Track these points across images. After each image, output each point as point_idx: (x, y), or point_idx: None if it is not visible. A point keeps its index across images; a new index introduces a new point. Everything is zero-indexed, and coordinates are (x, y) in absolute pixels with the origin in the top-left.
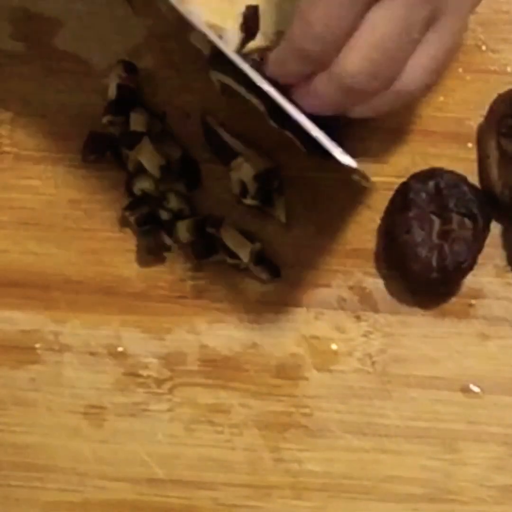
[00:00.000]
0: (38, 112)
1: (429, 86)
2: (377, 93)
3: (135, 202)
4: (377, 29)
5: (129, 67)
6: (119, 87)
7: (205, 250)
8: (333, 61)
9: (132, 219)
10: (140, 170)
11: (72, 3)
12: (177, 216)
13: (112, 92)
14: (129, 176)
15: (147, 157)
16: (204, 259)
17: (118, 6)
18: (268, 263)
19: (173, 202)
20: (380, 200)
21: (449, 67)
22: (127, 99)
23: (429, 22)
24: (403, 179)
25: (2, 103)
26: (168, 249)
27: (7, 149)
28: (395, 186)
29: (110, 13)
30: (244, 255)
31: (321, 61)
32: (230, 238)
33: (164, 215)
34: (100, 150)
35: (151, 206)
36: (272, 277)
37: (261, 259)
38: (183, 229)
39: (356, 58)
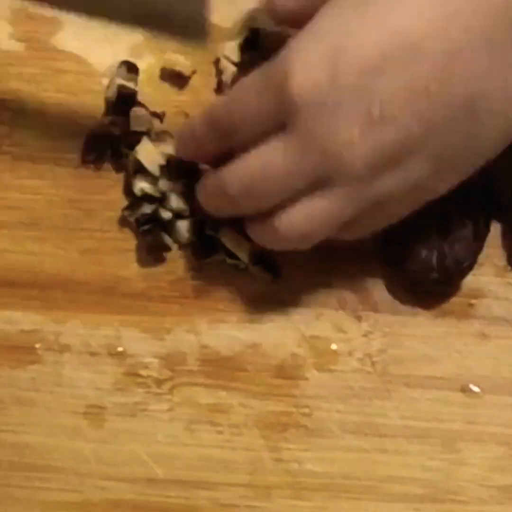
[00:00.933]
0: (38, 112)
1: (301, 242)
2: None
3: (135, 202)
4: (265, 156)
5: (131, 67)
6: (120, 87)
7: (205, 251)
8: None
9: (132, 219)
10: (140, 170)
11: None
12: (177, 216)
13: (112, 92)
14: (129, 176)
15: (147, 157)
16: (204, 260)
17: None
18: (268, 263)
19: (173, 202)
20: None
21: None
22: (127, 99)
23: (318, 185)
24: None
25: (2, 103)
26: (168, 249)
27: (6, 149)
28: None
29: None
30: (244, 256)
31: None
32: (230, 238)
33: (164, 215)
34: (100, 150)
35: (151, 206)
36: (272, 277)
37: (261, 259)
38: (183, 229)
39: (234, 172)
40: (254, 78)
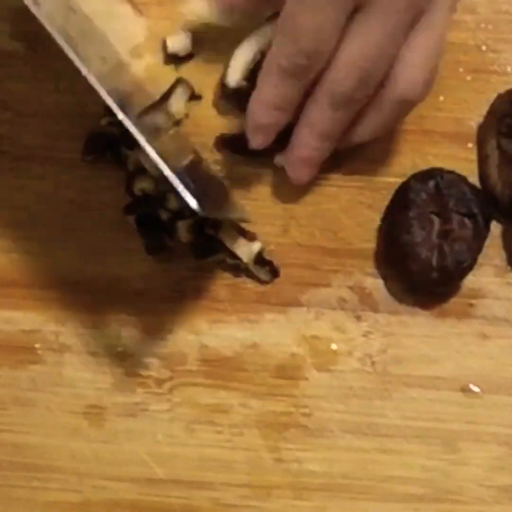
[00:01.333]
0: (38, 112)
1: (426, 86)
2: (367, 100)
3: (135, 202)
4: (361, 38)
5: None
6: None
7: (205, 251)
8: (321, 78)
9: (132, 219)
10: (140, 170)
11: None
12: (177, 216)
13: None
14: (129, 176)
15: (147, 157)
16: (204, 259)
17: (118, 6)
18: (268, 263)
19: (173, 202)
20: (380, 200)
21: (449, 67)
22: None
23: (413, 23)
24: (403, 179)
25: (2, 103)
26: (168, 249)
27: (7, 149)
28: (395, 186)
29: (110, 13)
30: (244, 255)
31: (307, 75)
32: (230, 239)
33: (164, 215)
34: (100, 150)
35: (151, 206)
36: (272, 277)
37: (261, 259)
38: (183, 229)
39: (344, 68)
40: None
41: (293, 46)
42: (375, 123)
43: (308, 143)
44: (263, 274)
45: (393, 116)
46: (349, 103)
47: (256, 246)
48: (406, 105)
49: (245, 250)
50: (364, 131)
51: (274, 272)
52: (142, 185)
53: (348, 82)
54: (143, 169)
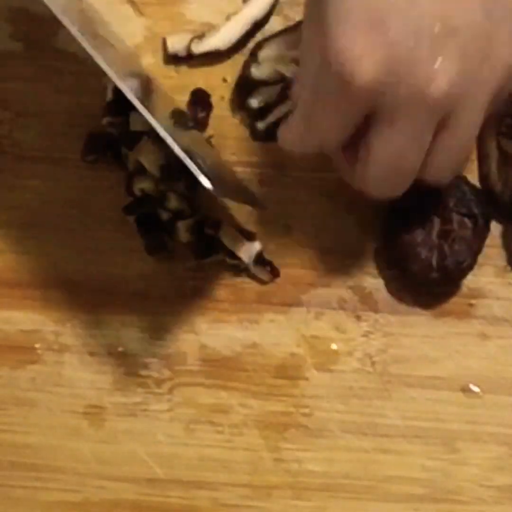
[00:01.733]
0: (38, 112)
1: (453, 174)
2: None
3: (135, 202)
4: (384, 142)
5: None
6: (115, 89)
7: (205, 250)
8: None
9: (132, 219)
10: (140, 170)
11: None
12: (177, 216)
13: (109, 94)
14: (129, 176)
15: (147, 157)
16: (204, 259)
17: (118, 6)
18: (268, 263)
19: (173, 202)
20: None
21: None
22: (125, 101)
23: (441, 124)
24: None
25: (2, 103)
26: (168, 249)
27: (7, 149)
28: None
29: (110, 13)
30: (244, 255)
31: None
32: (230, 239)
33: (164, 215)
34: (100, 150)
35: (151, 206)
36: (272, 277)
37: (261, 259)
38: (183, 229)
39: (371, 164)
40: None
41: (309, 135)
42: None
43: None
44: (263, 274)
45: None
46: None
47: (256, 246)
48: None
49: (245, 250)
50: None
51: (274, 272)
52: (142, 185)
53: (379, 179)
54: (143, 169)
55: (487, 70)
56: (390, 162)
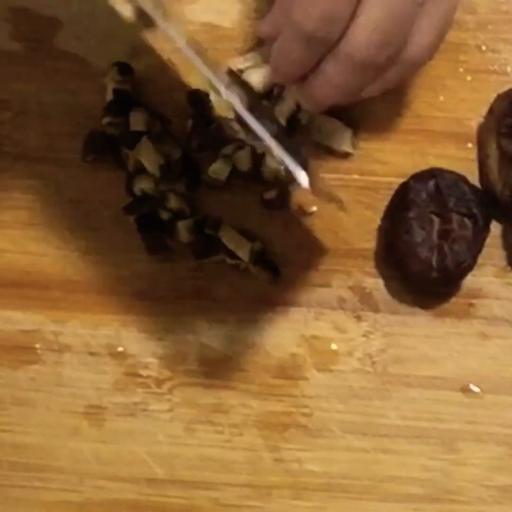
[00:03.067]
0: (38, 112)
1: (434, 51)
2: (388, 65)
3: (135, 202)
4: (379, 3)
5: (124, 69)
6: (115, 90)
7: (205, 250)
8: (340, 41)
9: (132, 219)
10: (140, 170)
11: (72, 3)
12: (177, 216)
13: (109, 94)
14: (129, 176)
15: (147, 157)
16: (204, 259)
17: (118, 7)
18: (268, 263)
19: (173, 202)
20: (380, 200)
21: (449, 67)
22: (124, 100)
23: None
24: (403, 179)
25: (2, 103)
26: (168, 249)
27: (7, 149)
28: (395, 186)
29: (110, 13)
30: (244, 255)
31: (327, 42)
32: (230, 238)
33: (164, 215)
34: (100, 150)
35: (151, 206)
36: (272, 277)
37: (261, 259)
38: (183, 229)
39: (365, 33)
40: None
41: (310, 13)
42: (382, 82)
43: (322, 92)
44: (263, 274)
45: (399, 77)
46: (370, 68)
47: (256, 246)
48: (413, 68)
49: (245, 250)
50: (370, 88)
51: (274, 272)
52: (142, 185)
53: (370, 47)
54: (143, 169)
55: None
56: (384, 27)
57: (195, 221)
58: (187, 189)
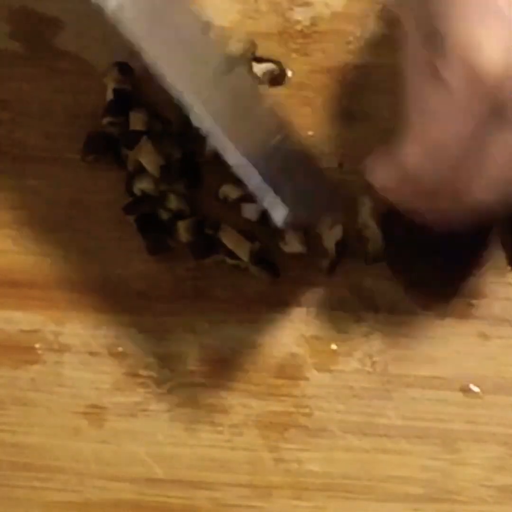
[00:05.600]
0: (38, 112)
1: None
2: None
3: (135, 202)
4: (507, 150)
5: (124, 69)
6: (115, 90)
7: (204, 250)
8: (459, 190)
9: (132, 219)
10: (140, 170)
11: (72, 3)
12: (177, 216)
13: (109, 94)
14: (129, 176)
15: (147, 157)
16: (204, 259)
17: None
18: (268, 263)
19: (173, 202)
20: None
21: None
22: (124, 100)
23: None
24: None
25: (2, 103)
26: (168, 249)
27: (7, 149)
28: None
29: None
30: (244, 255)
31: (440, 189)
32: (229, 238)
33: (164, 215)
34: (99, 150)
35: (151, 206)
36: (272, 277)
37: (261, 259)
38: (183, 229)
39: (488, 186)
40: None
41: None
42: None
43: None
44: (263, 274)
45: None
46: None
47: (255, 246)
48: None
49: (245, 250)
50: None
51: (274, 272)
52: (142, 185)
53: (491, 196)
54: (143, 169)
55: None
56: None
57: (195, 221)
58: (187, 189)
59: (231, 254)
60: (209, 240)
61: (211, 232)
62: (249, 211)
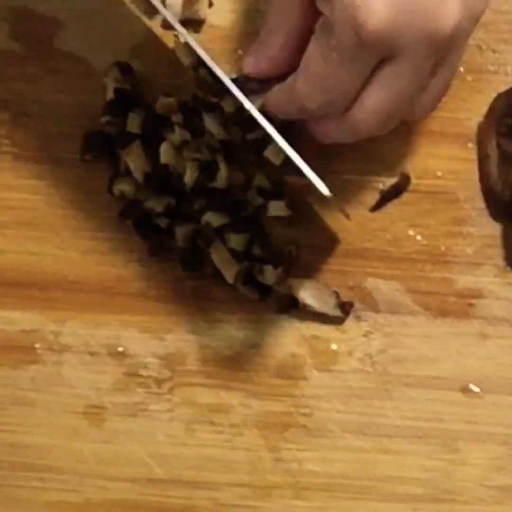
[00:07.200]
0: (38, 112)
1: (435, 108)
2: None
3: (129, 207)
4: (387, 86)
5: (125, 69)
6: (116, 89)
7: (193, 263)
8: (341, 114)
9: (129, 222)
10: (127, 172)
11: (72, 3)
12: (174, 218)
13: (109, 94)
14: (113, 174)
15: (135, 160)
16: (190, 271)
17: (118, 6)
18: (257, 284)
19: (160, 208)
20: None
21: None
22: (124, 100)
23: (434, 68)
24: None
25: (2, 103)
26: (167, 249)
27: (7, 149)
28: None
29: (110, 13)
30: (230, 276)
31: (322, 114)
32: (219, 256)
33: (162, 223)
34: (97, 149)
35: (144, 212)
36: (262, 297)
37: (249, 279)
38: (180, 236)
39: (368, 111)
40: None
41: (318, 95)
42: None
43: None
44: (251, 294)
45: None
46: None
47: (244, 267)
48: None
49: (232, 272)
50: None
51: (264, 292)
52: (122, 186)
53: (371, 125)
54: (128, 171)
55: (481, 4)
56: (389, 107)
57: (192, 230)
58: (170, 208)
59: (217, 273)
60: (200, 253)
61: (202, 245)
62: (271, 153)
